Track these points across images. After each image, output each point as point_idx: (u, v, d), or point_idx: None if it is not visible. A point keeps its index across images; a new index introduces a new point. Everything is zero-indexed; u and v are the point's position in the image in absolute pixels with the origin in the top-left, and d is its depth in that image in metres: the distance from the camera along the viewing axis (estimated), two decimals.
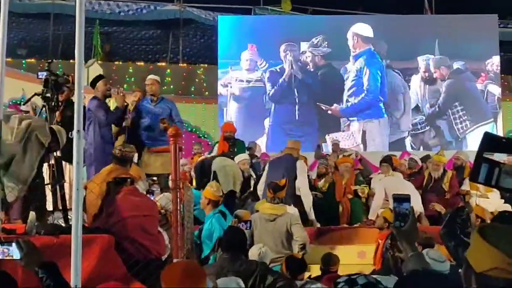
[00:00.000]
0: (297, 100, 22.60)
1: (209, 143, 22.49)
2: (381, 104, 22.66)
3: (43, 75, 7.88)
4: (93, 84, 11.70)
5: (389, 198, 12.36)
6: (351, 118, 22.50)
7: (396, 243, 8.89)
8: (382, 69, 22.71)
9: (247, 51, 22.87)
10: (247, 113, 22.68)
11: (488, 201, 12.54)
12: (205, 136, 23.38)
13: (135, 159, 10.76)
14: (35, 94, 8.03)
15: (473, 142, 21.80)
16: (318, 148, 17.88)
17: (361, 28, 22.93)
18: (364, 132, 22.39)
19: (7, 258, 4.39)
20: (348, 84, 22.71)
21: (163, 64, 25.34)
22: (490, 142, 3.15)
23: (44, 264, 4.15)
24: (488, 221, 9.43)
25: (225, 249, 7.02)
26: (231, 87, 22.84)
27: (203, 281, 4.20)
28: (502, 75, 23.68)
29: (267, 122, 22.55)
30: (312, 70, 22.87)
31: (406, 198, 3.81)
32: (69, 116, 8.81)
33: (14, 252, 4.28)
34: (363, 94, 22.54)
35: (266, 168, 12.55)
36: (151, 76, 12.84)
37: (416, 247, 3.79)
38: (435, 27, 23.09)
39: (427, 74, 22.91)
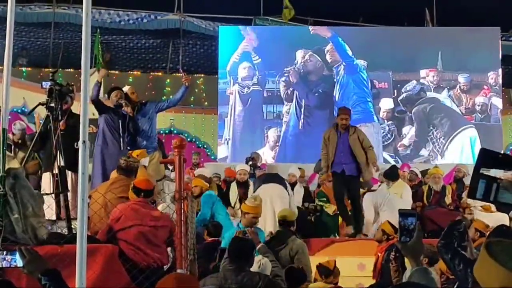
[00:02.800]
0: (302, 110, 22.66)
1: (208, 153, 22.59)
2: (371, 109, 22.74)
3: (47, 84, 7.86)
4: (109, 94, 11.83)
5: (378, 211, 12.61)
6: None
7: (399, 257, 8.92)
8: (363, 72, 22.86)
9: (247, 62, 22.94)
10: (248, 123, 22.68)
11: (491, 215, 12.53)
12: (204, 146, 23.43)
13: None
14: (40, 104, 8.02)
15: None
16: (319, 161, 17.93)
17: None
18: None
19: (12, 266, 4.42)
20: (337, 93, 22.83)
21: (163, 73, 25.40)
22: (486, 158, 3.17)
23: (47, 271, 4.15)
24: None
25: (231, 260, 7.00)
26: (233, 96, 22.84)
27: None
28: (503, 88, 23.70)
29: (271, 133, 22.56)
30: (313, 80, 22.92)
31: (411, 213, 3.82)
32: (71, 126, 8.83)
33: (18, 260, 4.31)
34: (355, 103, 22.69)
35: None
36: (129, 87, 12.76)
37: (420, 262, 3.81)
38: (437, 39, 23.10)
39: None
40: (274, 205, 11.72)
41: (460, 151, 22.39)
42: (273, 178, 12.73)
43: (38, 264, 4.21)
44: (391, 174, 14.01)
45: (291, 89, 22.81)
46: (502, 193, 3.11)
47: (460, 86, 22.95)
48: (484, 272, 2.64)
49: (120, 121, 11.38)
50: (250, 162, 16.52)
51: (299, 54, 22.96)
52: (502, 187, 3.09)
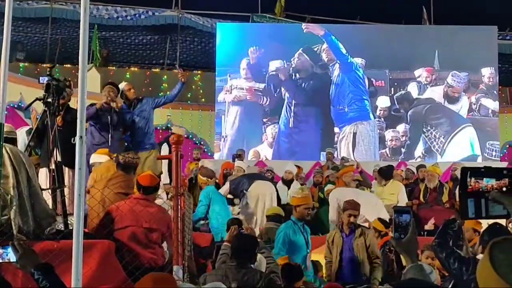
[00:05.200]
0: (292, 108, 22.67)
1: (205, 149, 22.57)
2: (367, 107, 22.76)
3: (44, 80, 7.84)
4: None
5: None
6: (341, 125, 22.64)
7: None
8: (358, 70, 22.87)
9: (244, 60, 22.92)
10: (245, 120, 22.69)
11: None
12: (201, 142, 23.43)
13: None
14: (37, 99, 8.01)
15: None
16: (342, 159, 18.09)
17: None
18: (354, 134, 22.47)
19: (4, 261, 4.40)
20: (333, 92, 22.85)
21: (160, 69, 25.39)
22: (469, 174, 3.19)
23: (39, 265, 4.14)
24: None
25: (234, 256, 7.00)
26: (230, 93, 22.82)
27: None
28: (500, 87, 23.71)
29: (269, 130, 22.57)
30: (309, 78, 22.92)
31: (406, 210, 3.83)
32: (68, 121, 8.84)
33: (11, 255, 4.29)
34: (351, 101, 22.72)
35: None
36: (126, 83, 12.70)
37: (416, 258, 3.81)
38: (434, 38, 23.15)
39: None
40: (266, 202, 11.83)
41: (460, 150, 22.43)
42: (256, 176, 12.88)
43: (31, 258, 4.20)
44: (386, 172, 14.01)
45: (282, 86, 22.83)
46: (492, 207, 3.14)
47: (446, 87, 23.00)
48: (484, 277, 2.61)
49: (109, 116, 11.34)
50: (237, 159, 16.58)
51: (295, 52, 22.99)
52: (491, 200, 3.12)
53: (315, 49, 22.95)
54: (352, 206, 10.00)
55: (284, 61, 22.90)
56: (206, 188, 12.08)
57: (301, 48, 22.95)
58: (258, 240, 9.30)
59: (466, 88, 23.01)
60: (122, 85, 12.23)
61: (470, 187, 3.16)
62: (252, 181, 12.44)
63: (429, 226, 12.85)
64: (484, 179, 3.17)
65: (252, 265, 7.09)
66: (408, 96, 22.98)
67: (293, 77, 22.90)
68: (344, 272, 9.77)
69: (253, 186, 12.25)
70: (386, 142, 22.68)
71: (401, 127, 22.79)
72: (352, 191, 12.79)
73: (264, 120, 22.71)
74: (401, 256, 3.54)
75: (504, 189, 3.11)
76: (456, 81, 22.94)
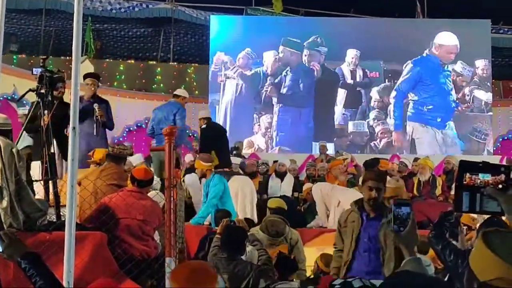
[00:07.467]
0: (285, 100, 22.74)
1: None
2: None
3: (37, 71, 7.81)
4: (85, 78, 11.68)
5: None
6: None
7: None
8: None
9: (241, 52, 22.93)
10: (239, 112, 22.69)
11: None
12: (194, 135, 23.40)
13: None
14: (30, 90, 7.97)
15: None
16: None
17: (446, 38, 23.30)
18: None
19: None
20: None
21: (154, 62, 25.35)
22: (467, 169, 3.18)
23: (26, 254, 4.07)
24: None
25: (224, 248, 7.00)
26: (223, 85, 22.83)
27: (214, 282, 4.16)
28: (493, 80, 23.73)
29: (263, 120, 22.60)
30: (304, 71, 22.93)
31: (406, 203, 3.81)
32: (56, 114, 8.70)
33: None
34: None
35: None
36: None
37: (414, 251, 3.79)
38: (428, 31, 23.18)
39: None
40: (246, 197, 11.81)
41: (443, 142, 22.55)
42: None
43: (17, 248, 4.13)
44: (371, 165, 13.97)
45: (276, 78, 22.87)
46: (486, 202, 3.13)
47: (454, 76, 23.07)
48: (481, 263, 2.60)
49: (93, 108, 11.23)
50: (234, 152, 16.54)
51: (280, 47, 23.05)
52: (486, 196, 3.10)
53: (311, 40, 22.96)
54: (374, 177, 7.10)
55: (277, 53, 22.91)
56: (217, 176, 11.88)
57: (282, 41, 23.00)
58: (262, 233, 9.31)
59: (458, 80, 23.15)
60: (180, 92, 13.44)
61: (465, 181, 3.15)
62: (231, 176, 12.39)
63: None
64: (480, 174, 3.16)
65: (242, 257, 7.08)
66: None
67: (286, 69, 22.90)
68: (357, 266, 6.96)
69: (232, 179, 12.20)
70: (376, 135, 22.76)
71: (391, 120, 22.84)
72: (328, 185, 12.74)
73: (258, 110, 22.71)
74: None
75: (500, 186, 3.10)
76: (467, 70, 22.98)
